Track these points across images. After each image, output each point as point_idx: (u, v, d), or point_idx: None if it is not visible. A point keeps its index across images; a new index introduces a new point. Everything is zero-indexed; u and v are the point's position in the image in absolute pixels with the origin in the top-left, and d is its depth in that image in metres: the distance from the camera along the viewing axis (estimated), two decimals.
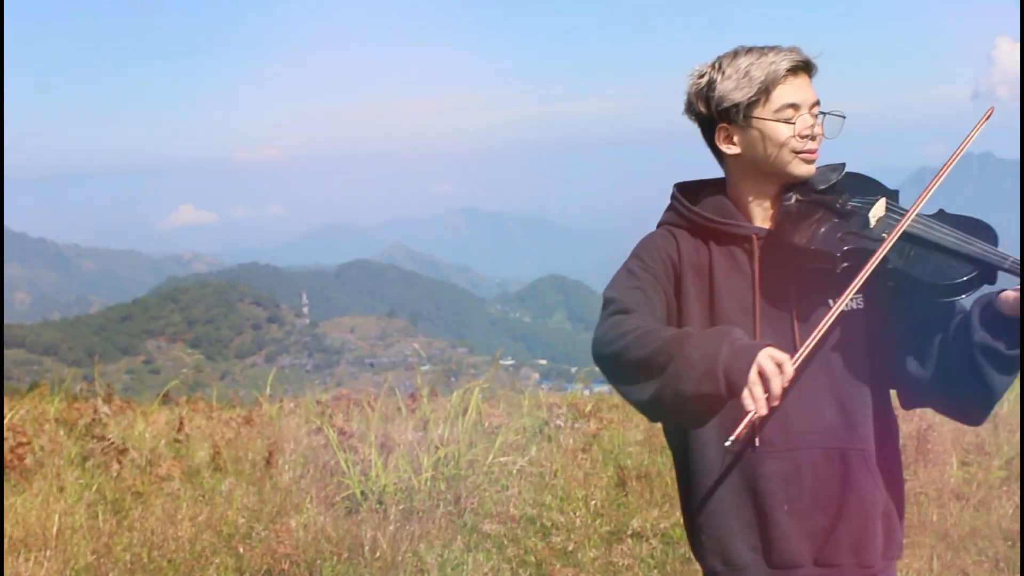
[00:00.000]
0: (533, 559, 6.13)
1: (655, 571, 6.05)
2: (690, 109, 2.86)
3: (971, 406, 2.75)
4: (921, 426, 7.55)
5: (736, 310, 2.81)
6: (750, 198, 2.86)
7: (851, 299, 2.73)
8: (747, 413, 2.46)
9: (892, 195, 2.83)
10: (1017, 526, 6.41)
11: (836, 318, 2.69)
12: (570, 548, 6.24)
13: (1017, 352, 2.60)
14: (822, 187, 2.82)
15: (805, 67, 2.75)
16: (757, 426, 2.79)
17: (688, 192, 2.97)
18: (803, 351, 2.58)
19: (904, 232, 2.66)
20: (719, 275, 2.83)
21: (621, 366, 2.71)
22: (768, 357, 2.46)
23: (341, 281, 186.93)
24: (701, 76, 2.80)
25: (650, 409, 2.69)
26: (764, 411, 2.45)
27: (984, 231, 2.66)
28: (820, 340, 2.71)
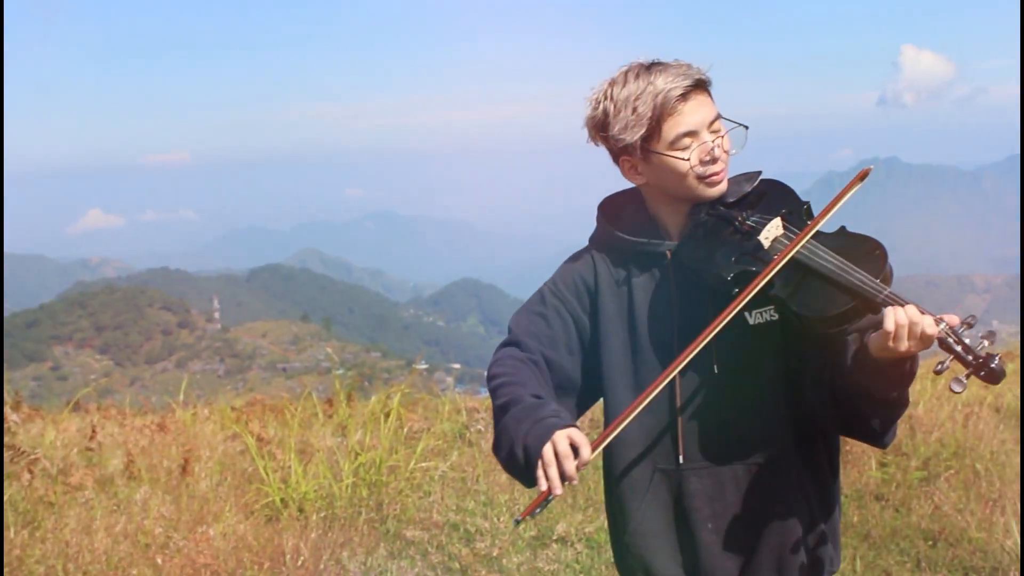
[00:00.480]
0: (458, 565, 6.07)
1: (580, 575, 6.02)
2: (593, 138, 2.81)
3: (862, 439, 2.73)
4: None
5: (655, 327, 2.78)
6: (666, 213, 2.82)
7: (766, 310, 2.69)
8: (543, 492, 2.44)
9: (800, 207, 2.75)
10: (936, 526, 6.48)
11: (751, 330, 2.68)
12: (495, 554, 6.19)
13: (892, 395, 2.54)
14: (731, 200, 2.77)
15: (697, 86, 2.67)
16: (682, 443, 2.76)
17: (613, 206, 2.94)
18: (611, 432, 2.55)
19: (792, 258, 2.59)
20: (638, 293, 2.80)
21: (492, 406, 2.75)
22: (564, 438, 2.45)
23: (253, 286, 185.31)
24: (596, 106, 2.74)
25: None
26: (558, 491, 2.42)
27: (873, 257, 2.57)
28: (739, 349, 2.70)
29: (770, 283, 2.58)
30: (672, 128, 2.64)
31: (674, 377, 2.66)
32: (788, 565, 2.78)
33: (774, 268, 2.57)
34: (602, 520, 6.61)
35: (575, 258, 2.93)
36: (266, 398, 10.72)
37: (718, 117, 2.70)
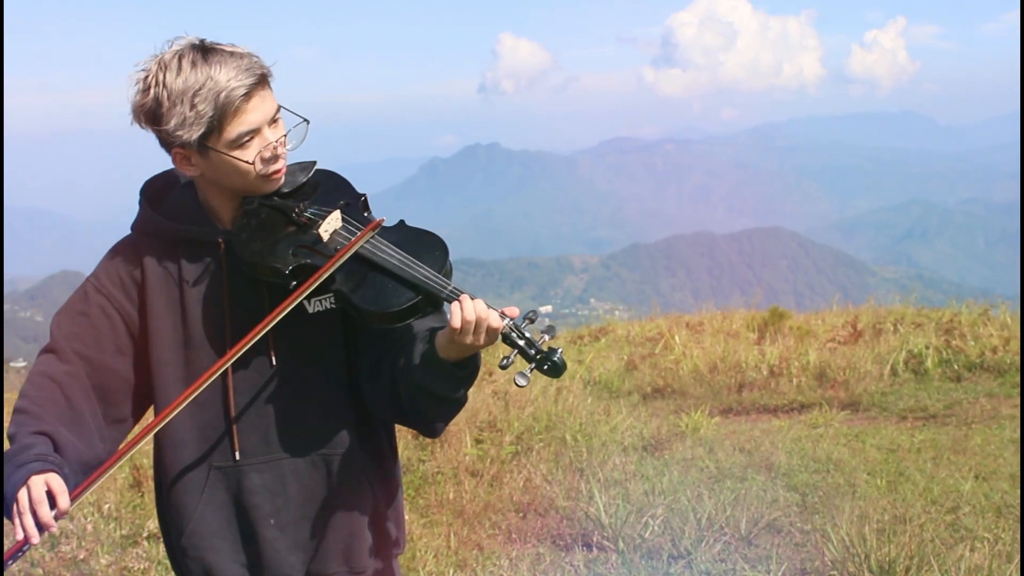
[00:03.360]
0: (41, 571, 5.74)
1: (172, 572, 5.83)
2: (140, 124, 2.58)
3: (417, 429, 2.74)
4: None
5: (209, 319, 2.66)
6: (218, 201, 2.68)
7: (324, 298, 2.64)
8: (19, 540, 2.30)
9: (357, 199, 2.72)
10: (527, 497, 6.69)
11: (310, 319, 2.63)
12: (81, 557, 5.89)
13: (457, 394, 2.56)
14: (287, 190, 2.69)
15: (260, 82, 2.52)
16: (237, 439, 2.68)
17: (155, 189, 2.77)
18: (132, 447, 2.44)
19: (354, 253, 2.56)
20: (189, 284, 2.66)
21: None
22: (41, 483, 2.33)
23: None
24: (146, 92, 2.51)
25: None
26: (35, 541, 2.30)
27: (434, 252, 2.58)
28: (298, 339, 2.65)
29: (331, 277, 2.54)
30: (235, 128, 2.49)
31: (227, 371, 2.59)
32: (355, 552, 2.77)
33: (332, 265, 2.53)
34: None
35: (119, 249, 2.73)
36: None
37: (279, 110, 2.58)
